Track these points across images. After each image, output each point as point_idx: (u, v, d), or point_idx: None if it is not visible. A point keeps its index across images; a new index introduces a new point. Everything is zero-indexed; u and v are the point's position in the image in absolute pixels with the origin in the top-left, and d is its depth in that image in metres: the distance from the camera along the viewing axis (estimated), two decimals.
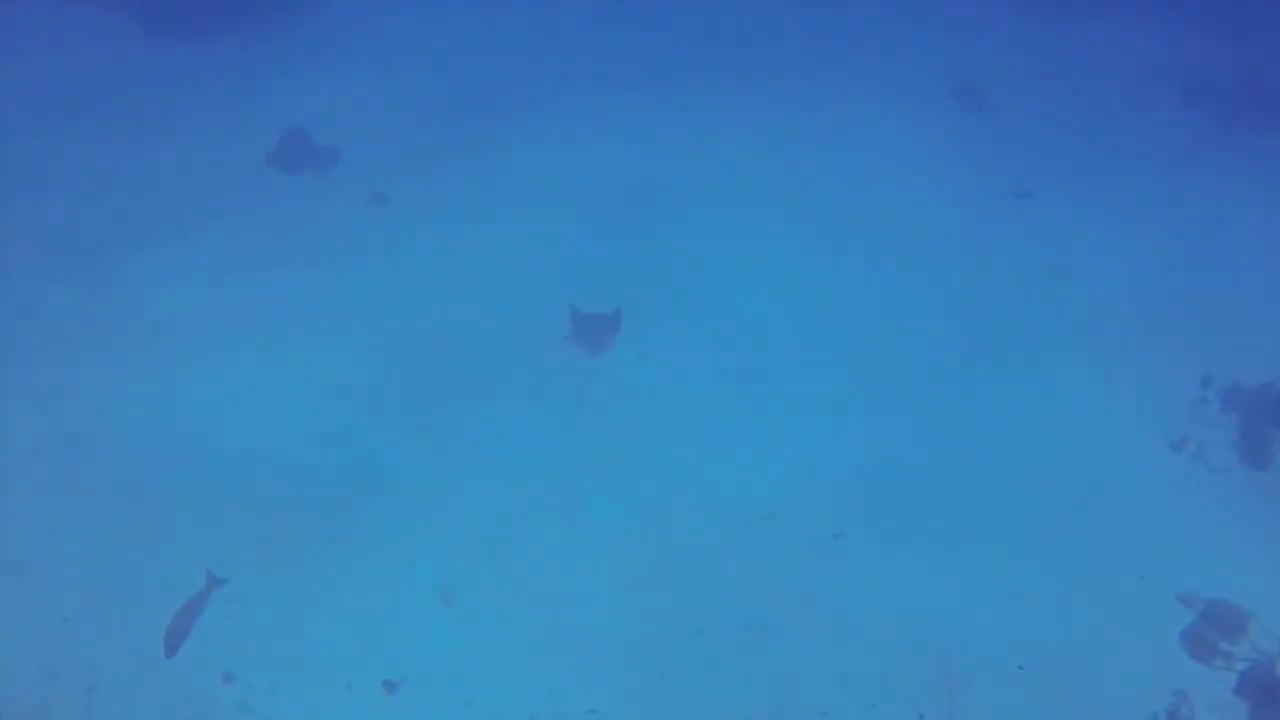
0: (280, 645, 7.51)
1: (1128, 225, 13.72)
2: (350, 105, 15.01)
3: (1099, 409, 10.50)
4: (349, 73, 15.97)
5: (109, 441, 8.99)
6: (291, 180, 13.13)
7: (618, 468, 9.30)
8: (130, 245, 11.55)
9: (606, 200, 13.14)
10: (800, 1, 20.00)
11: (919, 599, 8.35)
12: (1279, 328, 11.95)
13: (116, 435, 9.07)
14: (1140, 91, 17.73)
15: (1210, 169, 15.53)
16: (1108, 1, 20.75)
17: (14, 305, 10.47)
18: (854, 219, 13.23)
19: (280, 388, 9.77)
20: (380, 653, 7.58)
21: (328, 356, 10.20)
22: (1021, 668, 7.81)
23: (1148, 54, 19.32)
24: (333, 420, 9.46)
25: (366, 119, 14.69)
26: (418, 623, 7.82)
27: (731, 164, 14.23)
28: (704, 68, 17.16)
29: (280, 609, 7.76)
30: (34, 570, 7.80)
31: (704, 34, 18.52)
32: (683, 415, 9.95)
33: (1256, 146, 16.32)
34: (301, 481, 8.80)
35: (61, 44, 15.88)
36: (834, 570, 8.51)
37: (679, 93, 16.18)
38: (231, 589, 7.78)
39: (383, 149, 13.95)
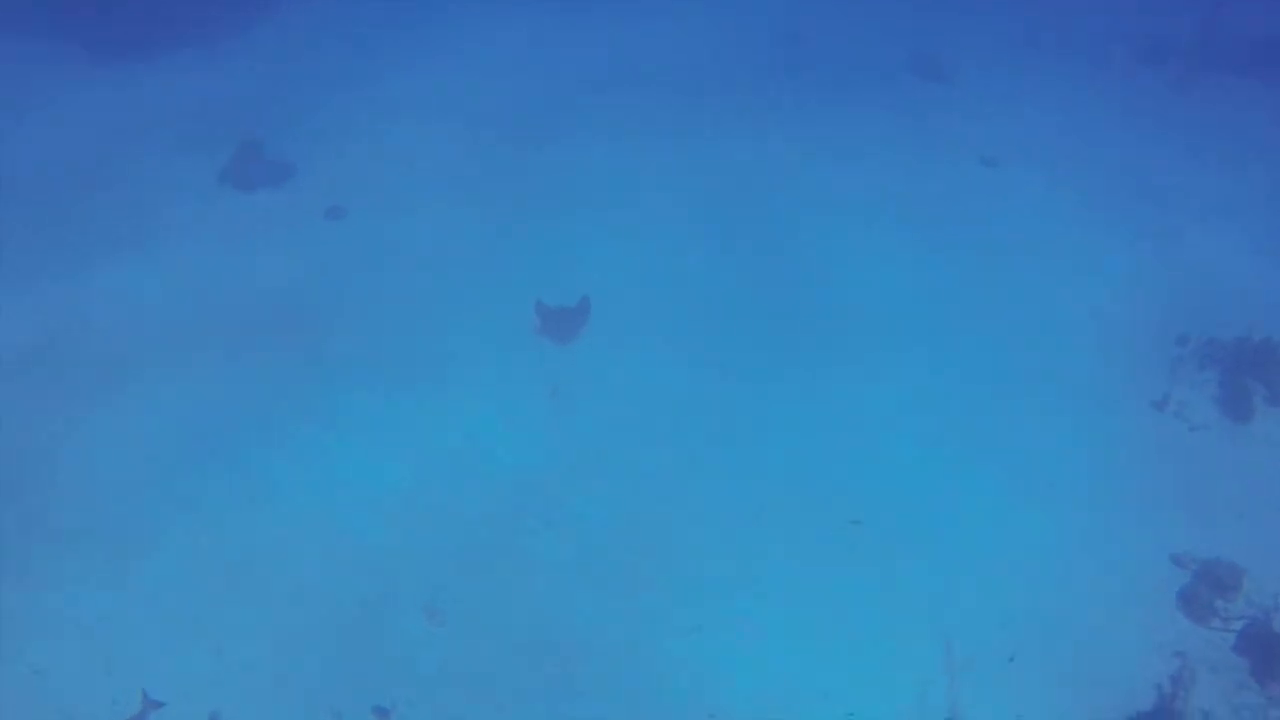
0: (265, 681, 7.28)
1: (1093, 187, 13.68)
2: (305, 118, 14.70)
3: (1081, 374, 10.44)
4: (302, 85, 15.66)
5: (71, 474, 8.72)
6: (246, 196, 12.83)
7: (596, 468, 9.12)
8: (81, 267, 11.27)
9: (566, 199, 12.96)
10: None
11: (916, 578, 8.24)
12: (1249, 280, 11.96)
13: (76, 467, 8.79)
14: (1099, 52, 17.68)
15: (1168, 127, 15.53)
16: None
17: None
18: (826, 197, 13.13)
19: (249, 404, 9.51)
20: (368, 678, 7.37)
21: (291, 371, 9.96)
22: (1012, 659, 7.68)
23: (1104, 13, 19.30)
24: (297, 437, 9.23)
25: (322, 131, 14.39)
26: (406, 643, 7.62)
27: (690, 150, 14.09)
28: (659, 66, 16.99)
29: (265, 641, 7.53)
30: (2, 621, 7.53)
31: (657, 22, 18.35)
32: (658, 410, 9.79)
33: (1214, 103, 16.33)
34: (269, 506, 8.57)
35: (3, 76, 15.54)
36: (829, 557, 8.38)
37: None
38: (216, 623, 7.56)
39: (340, 161, 13.66)
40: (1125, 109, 15.89)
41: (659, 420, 9.63)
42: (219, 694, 7.16)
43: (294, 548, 8.23)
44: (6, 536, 8.19)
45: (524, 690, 7.34)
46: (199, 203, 12.65)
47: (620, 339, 10.56)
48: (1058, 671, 7.58)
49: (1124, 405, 10.09)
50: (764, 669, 7.54)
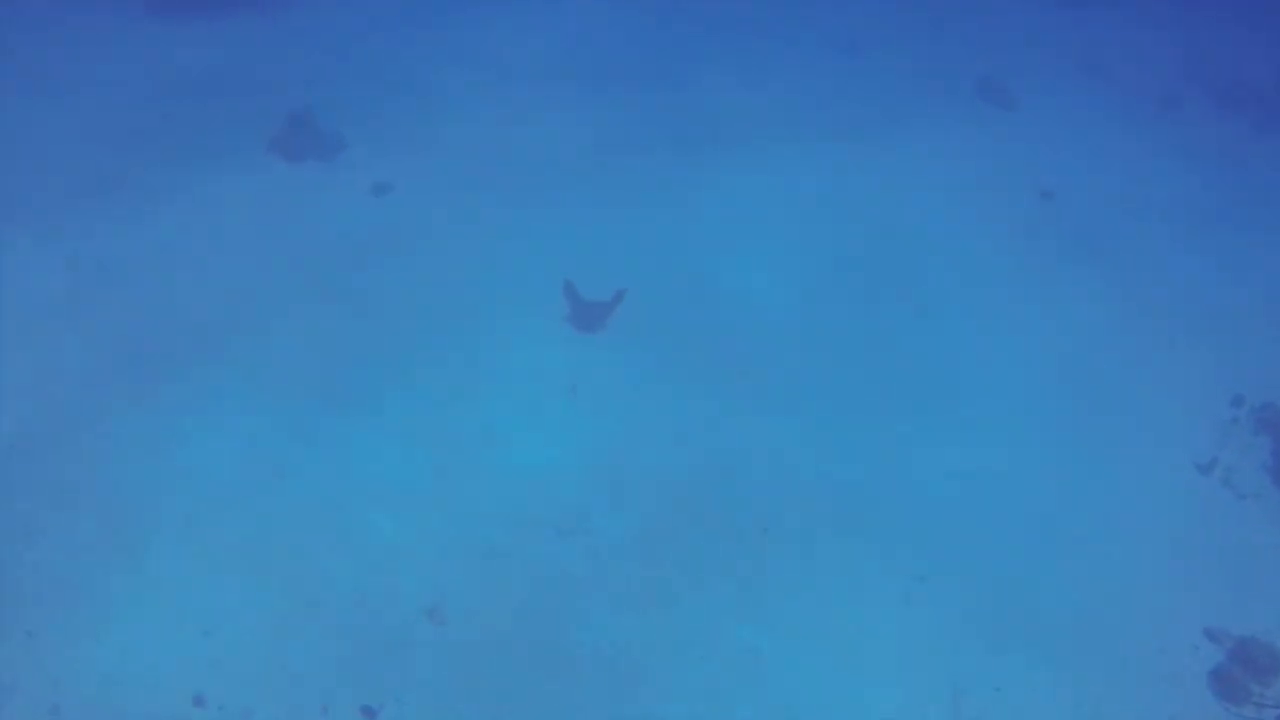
0: (254, 666, 7.13)
1: (1157, 233, 13.19)
2: (358, 88, 14.58)
3: (1122, 429, 10.02)
4: (359, 53, 15.55)
5: (81, 441, 8.63)
6: (293, 168, 12.72)
7: (614, 471, 8.88)
8: (121, 234, 11.20)
9: (610, 188, 12.74)
10: None
11: (928, 627, 7.92)
12: None
13: (89, 433, 8.69)
14: (1171, 90, 17.12)
15: (1242, 172, 14.96)
16: None
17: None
18: (877, 218, 12.78)
19: (268, 386, 9.39)
20: (360, 675, 7.20)
21: (322, 355, 9.82)
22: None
23: (1179, 51, 18.69)
24: (314, 420, 9.08)
25: (373, 102, 14.26)
26: (401, 642, 7.43)
27: (749, 154, 13.80)
28: (713, 58, 16.69)
29: (255, 627, 7.38)
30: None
31: (711, 22, 18.03)
32: (682, 411, 9.52)
33: None
34: (279, 489, 8.43)
35: (56, 21, 15.53)
36: (841, 597, 8.08)
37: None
38: (204, 605, 7.43)
39: (390, 135, 13.52)
40: (1194, 153, 15.32)
41: (681, 418, 9.39)
42: (204, 678, 7.01)
43: (301, 535, 8.08)
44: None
45: (522, 701, 7.13)
46: (245, 169, 12.56)
47: (647, 334, 10.31)
48: None
49: (1165, 465, 9.66)
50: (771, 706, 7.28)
